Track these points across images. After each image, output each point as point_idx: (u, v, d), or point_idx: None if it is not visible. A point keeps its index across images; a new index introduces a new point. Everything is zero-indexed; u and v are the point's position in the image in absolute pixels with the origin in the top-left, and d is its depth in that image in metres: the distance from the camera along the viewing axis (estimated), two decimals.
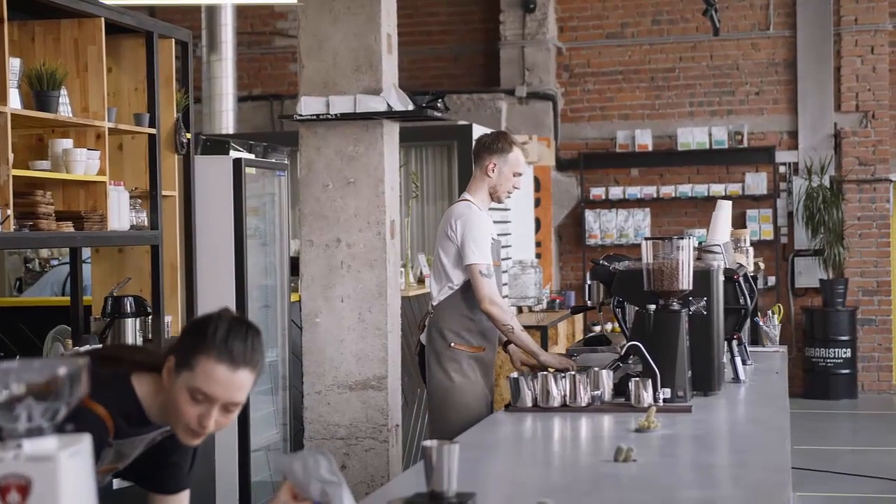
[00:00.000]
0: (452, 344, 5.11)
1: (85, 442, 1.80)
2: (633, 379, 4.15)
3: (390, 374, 5.84)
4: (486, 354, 5.17)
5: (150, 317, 5.58)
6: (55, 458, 1.74)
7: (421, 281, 7.72)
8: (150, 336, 5.62)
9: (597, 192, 12.67)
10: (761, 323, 6.24)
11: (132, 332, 5.48)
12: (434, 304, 5.22)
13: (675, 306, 4.32)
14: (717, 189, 12.31)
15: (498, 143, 5.23)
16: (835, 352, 11.96)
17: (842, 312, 12.00)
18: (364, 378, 5.81)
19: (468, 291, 5.09)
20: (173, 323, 5.84)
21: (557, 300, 11.30)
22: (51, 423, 1.79)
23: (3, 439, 1.78)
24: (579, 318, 11.19)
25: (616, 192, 12.62)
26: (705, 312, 4.43)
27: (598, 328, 11.84)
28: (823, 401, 11.86)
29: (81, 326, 5.62)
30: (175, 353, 2.55)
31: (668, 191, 12.51)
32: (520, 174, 5.26)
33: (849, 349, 11.99)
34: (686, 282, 4.32)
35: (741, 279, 4.99)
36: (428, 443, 2.64)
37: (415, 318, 7.19)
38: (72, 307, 5.69)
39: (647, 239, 4.39)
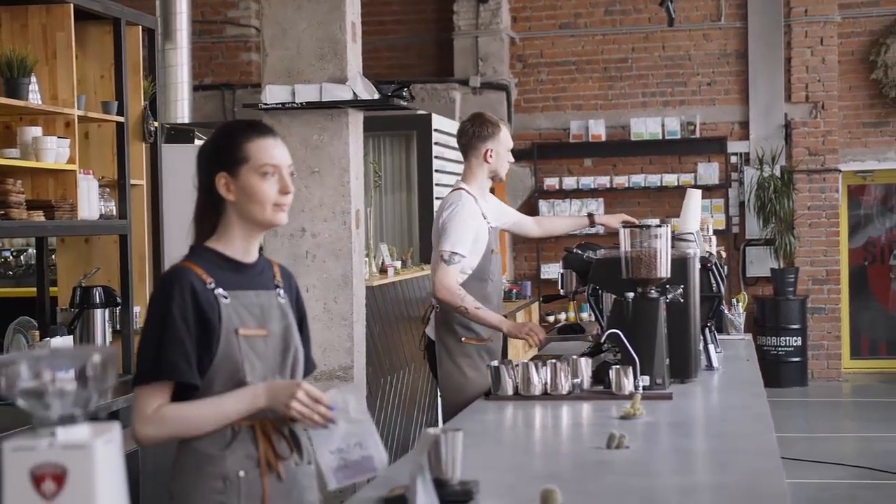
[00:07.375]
0: (463, 339, 5.09)
1: (115, 430, 1.79)
2: (613, 367, 4.17)
3: (356, 363, 5.82)
4: (493, 344, 5.16)
5: (118, 307, 5.52)
6: (90, 446, 1.72)
7: (383, 271, 7.70)
8: (118, 327, 5.55)
9: (550, 182, 12.71)
10: (726, 311, 6.29)
11: (101, 322, 5.41)
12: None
13: (654, 294, 4.33)
14: (670, 179, 12.39)
15: (487, 128, 5.29)
16: (785, 340, 12.10)
17: (792, 301, 12.14)
18: (330, 368, 5.80)
19: (473, 283, 5.05)
20: (142, 313, 5.78)
21: (514, 290, 11.35)
22: (83, 410, 1.77)
23: (35, 427, 1.76)
24: (535, 307, 11.24)
25: (570, 182, 12.66)
26: (682, 300, 4.46)
27: (563, 316, 11.92)
28: (774, 388, 11.95)
29: (48, 317, 5.54)
30: (221, 169, 2.80)
31: (621, 181, 12.56)
32: (511, 147, 5.42)
33: (799, 337, 12.13)
34: (664, 269, 4.33)
35: (714, 266, 5.03)
36: (432, 430, 2.64)
37: (377, 307, 7.17)
38: (38, 298, 5.60)
39: (625, 226, 4.40)
